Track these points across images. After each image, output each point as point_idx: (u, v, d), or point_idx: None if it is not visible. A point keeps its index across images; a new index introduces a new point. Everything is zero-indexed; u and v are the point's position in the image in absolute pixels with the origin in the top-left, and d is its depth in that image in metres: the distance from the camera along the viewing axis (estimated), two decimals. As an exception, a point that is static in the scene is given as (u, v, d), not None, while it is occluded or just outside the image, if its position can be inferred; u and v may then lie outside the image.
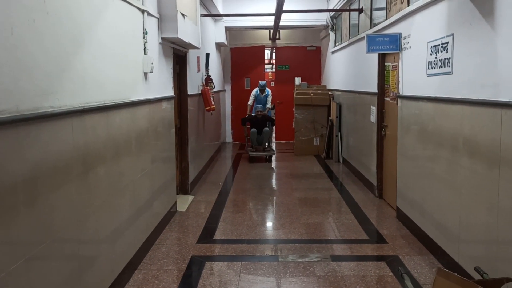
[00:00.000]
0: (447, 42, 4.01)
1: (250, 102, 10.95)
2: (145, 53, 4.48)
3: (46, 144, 2.52)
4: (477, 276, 2.52)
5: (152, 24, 4.81)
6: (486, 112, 3.32)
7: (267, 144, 10.17)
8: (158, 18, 5.04)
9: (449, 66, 3.97)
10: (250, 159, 9.84)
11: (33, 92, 2.40)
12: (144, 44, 4.47)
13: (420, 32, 4.79)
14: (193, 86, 7.31)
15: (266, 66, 18.78)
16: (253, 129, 9.92)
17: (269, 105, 10.79)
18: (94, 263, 3.22)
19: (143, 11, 4.44)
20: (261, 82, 10.91)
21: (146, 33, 4.49)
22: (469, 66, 3.62)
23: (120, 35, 3.81)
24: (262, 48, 12.16)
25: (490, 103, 3.26)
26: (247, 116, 10.43)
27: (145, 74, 4.52)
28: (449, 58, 3.97)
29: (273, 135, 11.95)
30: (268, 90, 10.89)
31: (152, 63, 4.56)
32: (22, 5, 2.32)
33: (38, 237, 2.45)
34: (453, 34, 3.90)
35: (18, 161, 2.26)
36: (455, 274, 2.18)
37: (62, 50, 2.74)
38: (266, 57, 17.71)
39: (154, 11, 4.86)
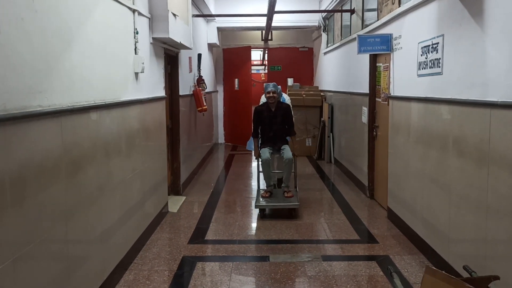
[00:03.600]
0: (438, 43, 4.03)
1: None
2: (135, 53, 4.46)
3: (34, 143, 2.50)
4: (466, 275, 2.53)
5: (143, 24, 4.79)
6: (475, 112, 3.35)
7: (294, 183, 6.30)
8: (149, 18, 5.02)
9: (439, 67, 3.99)
10: (261, 212, 5.80)
11: (21, 91, 2.38)
12: (135, 44, 4.45)
13: (411, 33, 4.81)
14: (185, 86, 7.30)
15: (258, 67, 18.80)
16: (264, 150, 5.91)
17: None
18: (84, 263, 3.20)
19: (133, 11, 4.42)
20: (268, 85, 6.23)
21: (137, 33, 4.47)
22: (459, 66, 3.65)
23: (110, 35, 3.79)
24: (248, 49, 12.15)
25: (479, 103, 3.28)
26: (255, 112, 6.24)
27: (136, 74, 4.50)
28: (439, 58, 3.99)
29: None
30: (285, 96, 7.09)
31: (143, 63, 4.54)
32: (10, 3, 2.30)
33: (26, 237, 2.42)
34: (443, 35, 3.93)
35: (6, 160, 2.23)
36: (443, 272, 2.19)
37: (51, 49, 2.72)
38: (259, 58, 17.75)
39: (145, 11, 4.85)
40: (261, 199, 5.85)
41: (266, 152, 5.91)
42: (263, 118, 6.13)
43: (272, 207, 5.79)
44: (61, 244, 2.86)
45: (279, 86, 6.12)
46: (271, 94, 6.05)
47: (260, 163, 6.01)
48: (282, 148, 6.01)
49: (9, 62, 2.28)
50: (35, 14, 2.53)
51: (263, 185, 6.31)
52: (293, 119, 6.46)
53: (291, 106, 6.56)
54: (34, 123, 2.50)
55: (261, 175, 6.13)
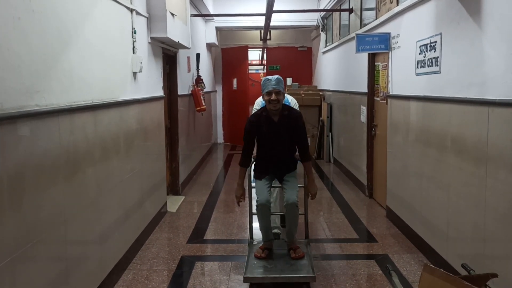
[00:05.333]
0: (436, 41, 4.03)
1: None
2: (134, 53, 4.46)
3: (32, 143, 2.50)
4: (464, 273, 2.53)
5: (141, 24, 4.79)
6: (473, 111, 3.35)
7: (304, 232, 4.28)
8: (147, 18, 5.01)
9: (438, 65, 3.99)
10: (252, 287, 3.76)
11: (18, 91, 2.38)
12: (133, 44, 4.45)
13: (409, 32, 4.81)
14: (184, 86, 7.29)
15: (257, 67, 18.76)
16: (261, 186, 3.92)
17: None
18: (82, 263, 3.20)
19: (131, 10, 4.42)
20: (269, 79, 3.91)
21: (135, 33, 4.47)
22: (457, 65, 3.64)
23: (108, 34, 3.79)
24: (245, 48, 12.15)
25: (477, 102, 3.28)
26: (247, 127, 3.94)
27: (134, 73, 4.49)
28: (438, 57, 3.99)
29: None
30: (288, 98, 4.73)
31: (141, 62, 4.54)
32: (6, 3, 2.29)
33: (24, 237, 2.42)
34: (441, 33, 3.93)
35: (3, 160, 2.23)
36: (441, 269, 2.19)
37: (49, 49, 2.72)
38: (258, 57, 17.71)
39: (143, 11, 4.84)
40: (254, 263, 3.77)
41: (264, 191, 3.85)
42: (260, 135, 3.93)
43: (272, 280, 3.63)
44: (59, 244, 2.85)
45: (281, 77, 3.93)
46: (273, 97, 3.75)
47: (255, 206, 3.93)
48: (285, 179, 3.94)
49: (6, 62, 2.28)
50: (32, 14, 2.52)
51: (257, 231, 4.20)
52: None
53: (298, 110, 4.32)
54: (31, 123, 2.49)
55: (255, 217, 4.06)
